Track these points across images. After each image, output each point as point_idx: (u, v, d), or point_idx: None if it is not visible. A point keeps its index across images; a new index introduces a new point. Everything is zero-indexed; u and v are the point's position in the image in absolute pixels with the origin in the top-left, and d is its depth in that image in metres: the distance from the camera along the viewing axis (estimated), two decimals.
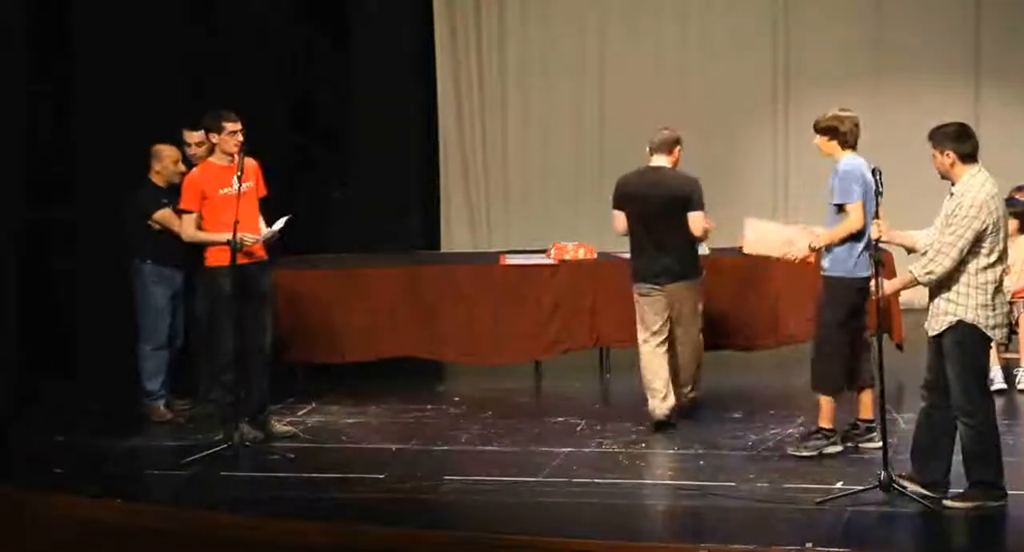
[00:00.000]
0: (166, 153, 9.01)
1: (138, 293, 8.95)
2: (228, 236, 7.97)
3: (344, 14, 12.83)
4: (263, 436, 8.22)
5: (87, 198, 10.05)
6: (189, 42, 10.71)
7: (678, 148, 8.47)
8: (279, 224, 8.27)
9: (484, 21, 13.63)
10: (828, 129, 7.54)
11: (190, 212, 8.20)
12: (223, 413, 8.16)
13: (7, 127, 9.69)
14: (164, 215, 8.87)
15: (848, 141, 7.53)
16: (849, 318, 7.52)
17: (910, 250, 6.84)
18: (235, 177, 8.07)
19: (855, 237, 7.42)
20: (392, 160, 13.03)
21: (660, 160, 8.46)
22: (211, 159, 8.30)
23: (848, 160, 7.50)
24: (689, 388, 8.61)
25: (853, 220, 7.37)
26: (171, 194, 8.98)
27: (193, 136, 9.06)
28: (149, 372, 8.93)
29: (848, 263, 7.45)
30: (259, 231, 8.23)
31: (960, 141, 6.56)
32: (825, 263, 7.55)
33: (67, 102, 10.22)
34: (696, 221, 8.31)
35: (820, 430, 7.62)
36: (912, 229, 6.87)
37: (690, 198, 8.33)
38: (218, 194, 8.13)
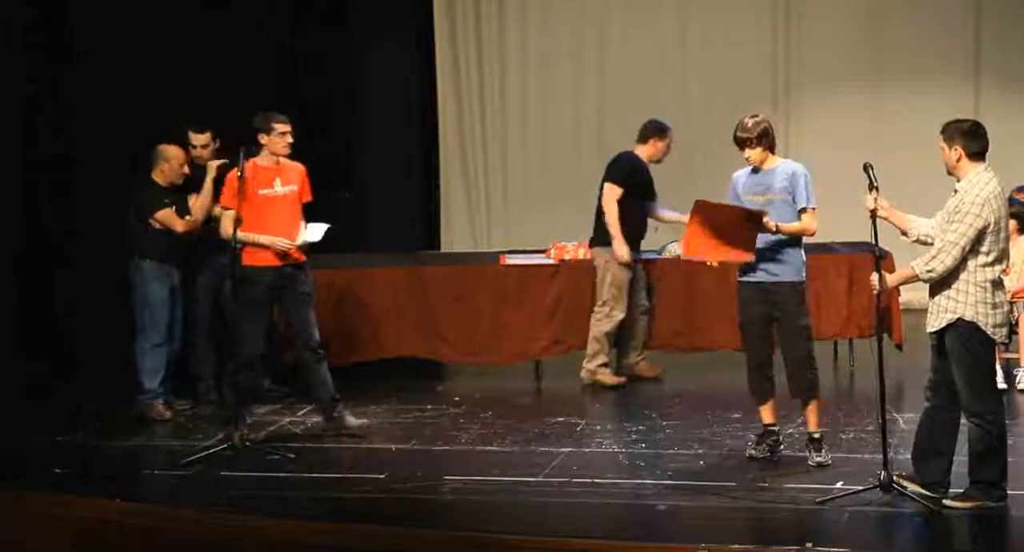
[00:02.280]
0: (173, 154, 8.99)
1: (138, 290, 8.94)
2: (267, 238, 8.01)
3: (344, 14, 12.83)
4: (334, 429, 8.26)
5: (87, 198, 10.05)
6: (188, 42, 10.71)
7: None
8: (317, 234, 8.25)
9: (484, 21, 13.62)
10: (763, 135, 7.43)
11: (229, 209, 8.15)
12: (228, 413, 8.16)
13: (7, 127, 9.71)
14: (166, 215, 8.87)
15: (775, 144, 7.54)
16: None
17: (903, 232, 6.82)
18: (237, 177, 8.08)
19: (799, 241, 7.48)
20: (392, 160, 13.02)
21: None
22: (256, 159, 8.23)
23: (793, 162, 7.54)
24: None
25: (813, 224, 7.43)
26: (173, 194, 8.98)
27: (199, 138, 9.08)
28: (148, 370, 8.92)
29: (802, 269, 7.49)
30: (296, 236, 8.19)
31: (971, 138, 6.55)
32: (776, 269, 7.44)
33: (67, 102, 10.22)
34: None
35: (822, 435, 7.61)
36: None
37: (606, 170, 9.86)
38: (258, 194, 8.12)
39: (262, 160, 8.21)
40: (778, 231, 7.36)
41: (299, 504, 7.01)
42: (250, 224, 8.09)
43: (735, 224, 7.38)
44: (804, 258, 7.51)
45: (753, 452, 7.65)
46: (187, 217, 8.95)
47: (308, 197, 8.35)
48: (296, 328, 8.29)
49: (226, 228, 8.16)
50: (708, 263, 7.52)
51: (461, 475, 7.41)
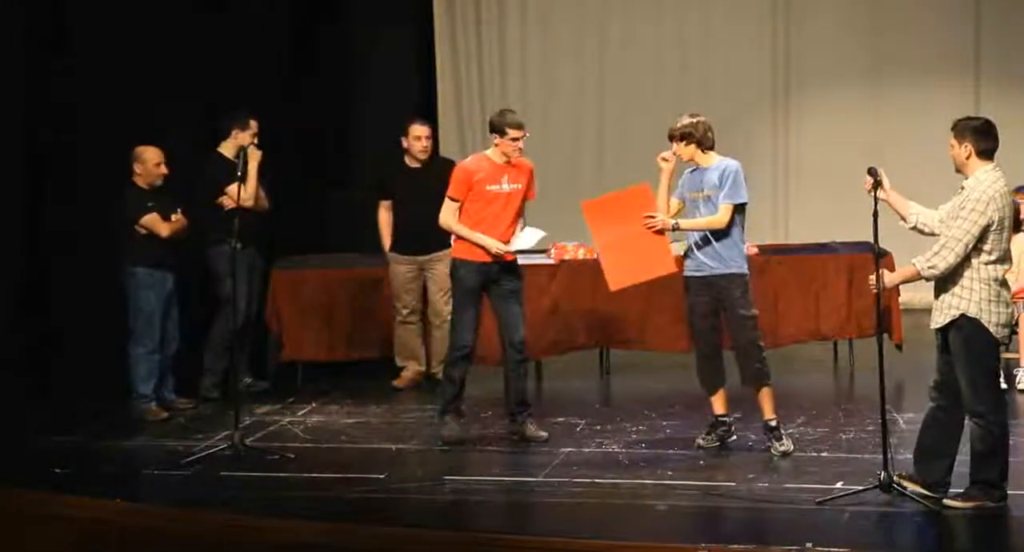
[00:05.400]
0: (148, 155, 8.92)
1: (131, 297, 8.90)
2: (480, 237, 8.02)
3: (344, 13, 12.83)
4: (518, 435, 8.17)
5: (87, 197, 10.05)
6: (188, 42, 10.71)
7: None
8: (532, 240, 8.27)
9: (484, 21, 13.63)
10: (686, 134, 7.65)
11: (456, 200, 8.10)
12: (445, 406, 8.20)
13: (7, 127, 9.70)
14: (150, 220, 8.83)
15: (706, 143, 7.67)
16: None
17: (902, 218, 6.81)
18: (239, 173, 8.10)
19: (735, 237, 7.59)
20: None
21: None
22: (488, 153, 8.23)
23: (729, 161, 7.65)
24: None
25: (723, 218, 7.56)
26: (154, 196, 8.93)
27: (256, 125, 9.19)
28: (141, 375, 8.90)
29: (741, 260, 7.64)
30: (510, 236, 8.20)
31: (981, 136, 6.55)
32: (716, 262, 7.60)
33: (67, 102, 10.21)
34: None
35: (779, 423, 7.72)
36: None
37: None
38: (486, 190, 8.11)
39: (494, 155, 8.19)
40: (677, 229, 7.60)
41: (299, 504, 7.01)
42: (468, 217, 8.09)
43: (642, 234, 7.59)
44: (745, 251, 7.70)
45: (701, 442, 7.82)
46: (174, 218, 8.92)
47: (532, 195, 8.37)
48: (501, 323, 8.24)
49: (446, 219, 8.11)
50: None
51: (461, 475, 7.41)
